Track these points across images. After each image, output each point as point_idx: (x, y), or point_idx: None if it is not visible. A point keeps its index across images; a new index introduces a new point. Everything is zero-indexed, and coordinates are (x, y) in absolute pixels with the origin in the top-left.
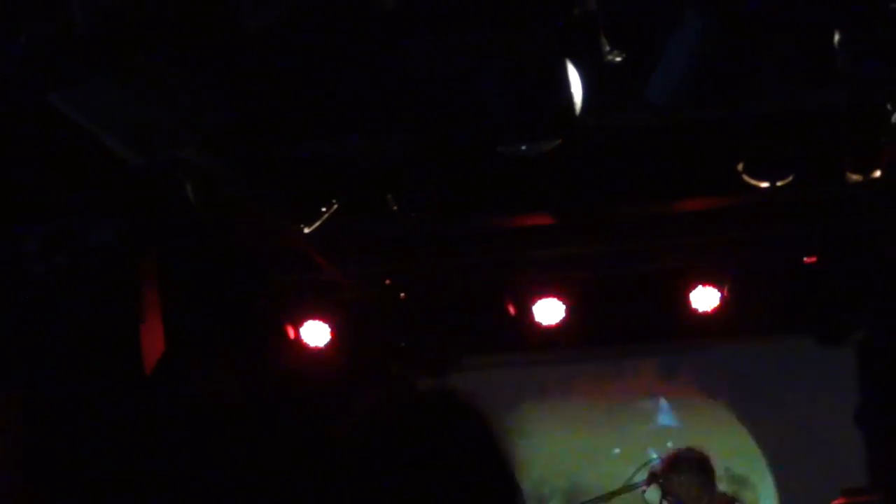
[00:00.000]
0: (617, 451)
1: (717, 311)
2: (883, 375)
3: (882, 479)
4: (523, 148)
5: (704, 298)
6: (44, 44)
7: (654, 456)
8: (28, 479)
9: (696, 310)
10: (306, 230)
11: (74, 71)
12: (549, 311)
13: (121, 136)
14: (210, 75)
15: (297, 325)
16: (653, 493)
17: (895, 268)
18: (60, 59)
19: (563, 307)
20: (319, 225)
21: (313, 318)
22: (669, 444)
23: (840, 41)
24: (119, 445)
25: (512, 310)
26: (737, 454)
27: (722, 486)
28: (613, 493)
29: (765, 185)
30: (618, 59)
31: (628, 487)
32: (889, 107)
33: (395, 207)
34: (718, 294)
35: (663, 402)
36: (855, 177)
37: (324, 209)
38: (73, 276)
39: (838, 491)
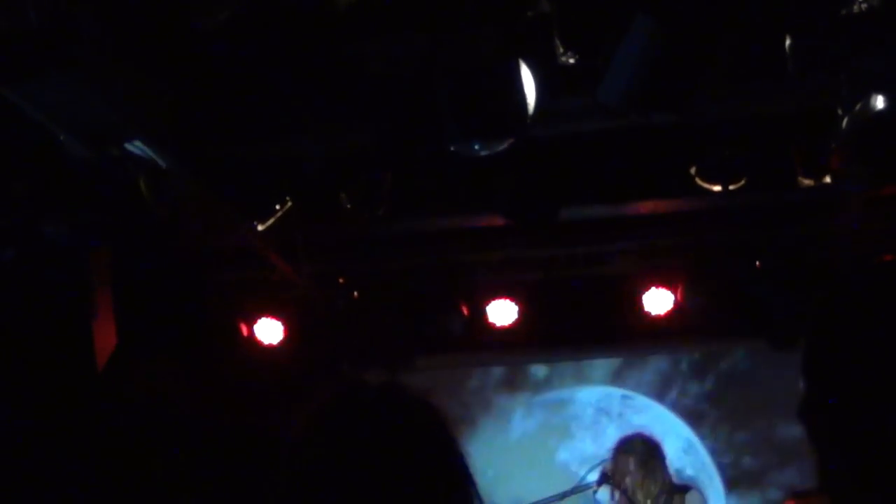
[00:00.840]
0: (568, 451)
1: (670, 313)
2: (824, 375)
3: (827, 480)
4: (476, 148)
5: (658, 301)
6: None
7: (606, 457)
8: None
9: (649, 312)
10: (260, 228)
11: (27, 65)
12: (502, 312)
13: (72, 130)
14: (162, 72)
15: (250, 322)
16: (604, 492)
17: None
18: (14, 53)
19: (517, 308)
20: (273, 223)
21: (266, 315)
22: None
23: (790, 46)
24: (69, 443)
25: (465, 310)
26: (686, 455)
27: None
28: (564, 494)
29: (717, 188)
30: (571, 60)
31: (580, 488)
32: (839, 112)
33: (349, 206)
34: (672, 297)
35: (615, 404)
36: (806, 181)
37: (277, 207)
38: (23, 271)
39: (788, 493)
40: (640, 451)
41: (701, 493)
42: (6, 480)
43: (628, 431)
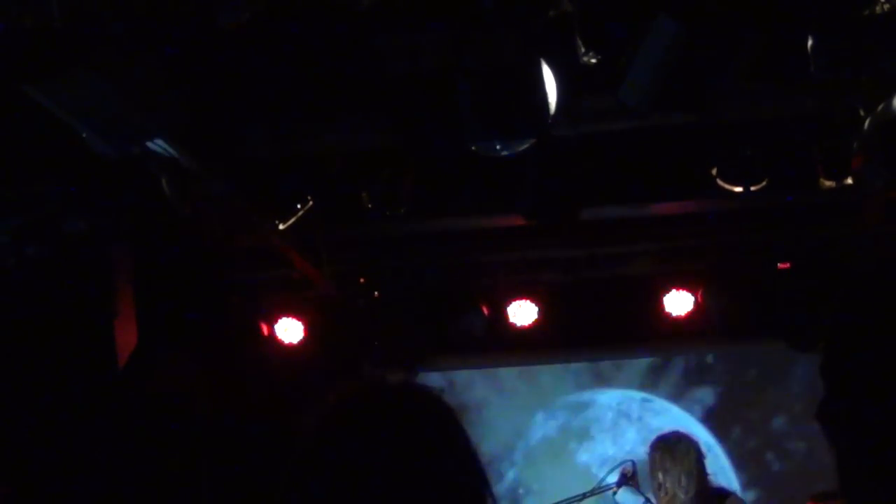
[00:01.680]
0: (588, 453)
1: (690, 315)
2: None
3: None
4: (497, 147)
5: (678, 302)
6: (21, 36)
7: (625, 458)
8: None
9: (669, 314)
10: (281, 227)
11: (51, 63)
12: (522, 313)
13: (95, 128)
14: (184, 71)
15: (270, 322)
16: (624, 494)
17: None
18: (37, 51)
19: (537, 309)
20: (294, 222)
21: (287, 315)
22: (642, 448)
23: (813, 46)
24: (90, 440)
25: (485, 310)
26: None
27: None
28: (584, 495)
29: (738, 189)
30: (593, 60)
31: (599, 489)
32: (861, 112)
33: (370, 206)
34: (692, 298)
35: (635, 407)
36: (828, 183)
37: (299, 206)
38: (46, 269)
39: (807, 496)
40: (679, 450)
41: (739, 500)
42: (28, 476)
43: (648, 434)
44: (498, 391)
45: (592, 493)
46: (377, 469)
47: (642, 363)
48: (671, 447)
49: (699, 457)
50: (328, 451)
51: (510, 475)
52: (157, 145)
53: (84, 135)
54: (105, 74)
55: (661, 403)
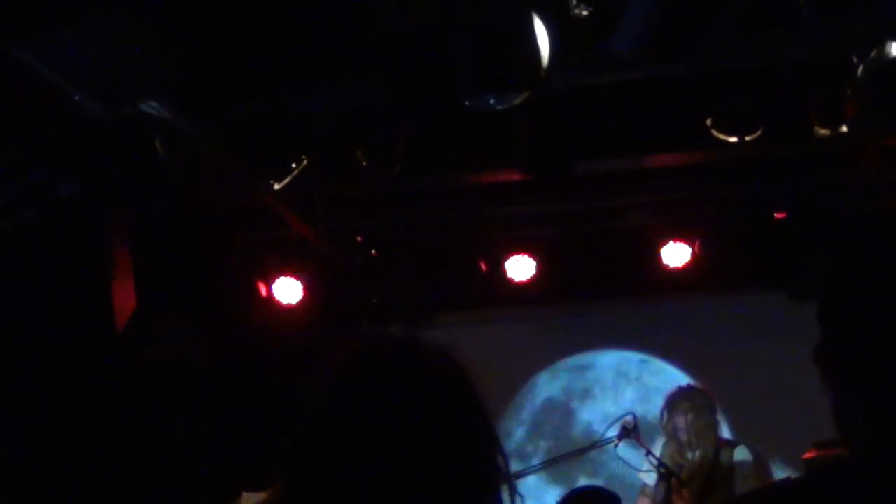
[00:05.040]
0: (590, 412)
1: (688, 266)
2: (840, 323)
3: (844, 428)
4: (491, 101)
5: (675, 254)
6: None
7: (624, 414)
8: None
9: (667, 265)
10: (276, 187)
11: (40, 24)
12: (520, 268)
13: (86, 90)
14: (176, 30)
15: (268, 282)
16: (625, 447)
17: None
18: (26, 12)
19: (535, 263)
20: (289, 181)
21: (285, 275)
22: (640, 405)
23: None
24: (90, 403)
25: (483, 266)
26: (706, 409)
27: None
28: (584, 449)
29: (733, 139)
30: (584, 12)
31: (600, 442)
32: (854, 60)
33: (365, 163)
34: (689, 250)
35: (633, 368)
36: (822, 131)
37: (294, 165)
38: (42, 232)
39: (809, 444)
40: (697, 403)
41: (747, 449)
42: (27, 440)
43: (646, 393)
44: (501, 353)
45: (594, 446)
46: (386, 425)
47: (639, 324)
48: (689, 399)
49: (714, 409)
50: (336, 407)
51: (518, 433)
52: (150, 107)
53: (76, 97)
54: (95, 35)
55: (657, 364)
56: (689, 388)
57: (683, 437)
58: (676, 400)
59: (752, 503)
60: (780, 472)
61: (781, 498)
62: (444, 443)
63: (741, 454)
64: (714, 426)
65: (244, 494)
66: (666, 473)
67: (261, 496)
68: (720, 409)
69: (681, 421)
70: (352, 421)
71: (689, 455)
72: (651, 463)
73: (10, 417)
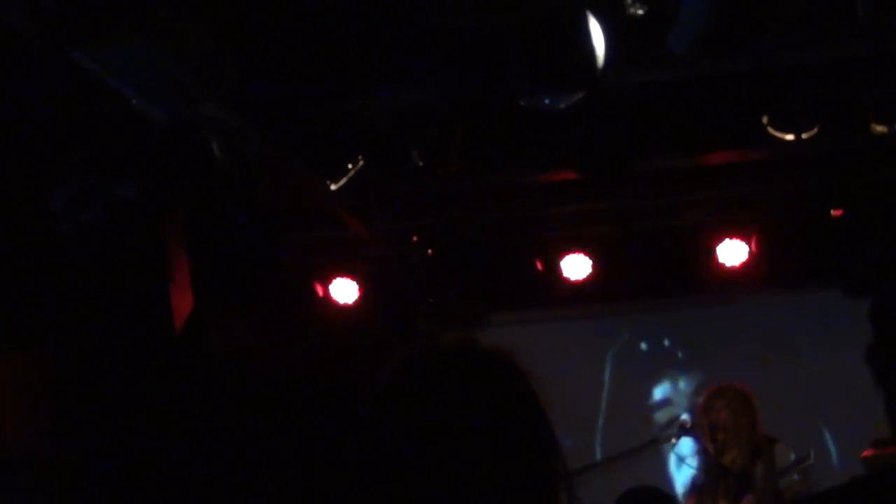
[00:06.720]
0: (646, 404)
1: (744, 264)
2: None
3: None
4: (546, 102)
5: (732, 252)
6: (70, 1)
7: (683, 413)
8: (56, 438)
9: (723, 264)
10: (333, 187)
11: (99, 29)
12: (576, 267)
13: (144, 93)
14: (233, 33)
15: (325, 282)
16: (685, 444)
17: None
18: (85, 16)
19: (591, 262)
20: (346, 182)
21: (341, 275)
22: (699, 398)
23: None
24: (149, 404)
25: (539, 265)
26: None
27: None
28: (641, 448)
29: (790, 137)
30: (640, 11)
31: (658, 440)
32: None
33: (421, 163)
34: (746, 247)
35: (691, 357)
36: (879, 128)
37: (350, 166)
38: (100, 235)
39: (867, 443)
40: (734, 405)
41: (787, 446)
42: (87, 445)
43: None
44: (556, 351)
45: (651, 444)
46: (446, 431)
47: (695, 322)
48: (725, 396)
49: (753, 407)
50: (396, 414)
51: (574, 433)
52: (208, 109)
53: (134, 101)
54: (155, 39)
55: (712, 362)
56: (727, 387)
57: (718, 435)
58: (713, 398)
59: (834, 500)
60: (835, 470)
61: (859, 496)
62: (504, 449)
63: (781, 451)
64: (752, 424)
65: None
66: (721, 472)
67: None
68: (772, 406)
69: (716, 419)
70: (412, 428)
71: (727, 453)
72: (706, 462)
73: (68, 421)
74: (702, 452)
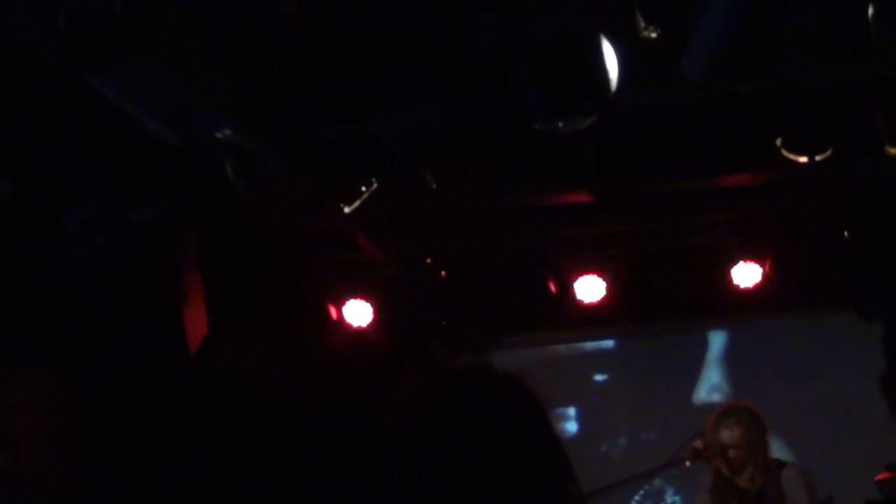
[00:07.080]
0: (660, 427)
1: (758, 286)
2: None
3: None
4: (559, 125)
5: (746, 274)
6: (83, 24)
7: (698, 435)
8: (70, 458)
9: (737, 286)
10: (346, 210)
11: (112, 52)
12: (590, 289)
13: (158, 117)
14: (247, 55)
15: (339, 304)
16: (698, 467)
17: None
18: (98, 39)
19: (605, 284)
20: (359, 204)
21: (355, 297)
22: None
23: (873, 12)
24: (162, 427)
25: (553, 287)
26: (776, 430)
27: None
28: (656, 470)
29: (803, 159)
30: (653, 34)
31: (671, 464)
32: None
33: (434, 186)
34: (760, 270)
35: (705, 380)
36: (893, 150)
37: (363, 188)
38: (115, 257)
39: (881, 465)
40: (746, 423)
41: (796, 469)
42: (101, 466)
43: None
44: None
45: (664, 467)
46: (460, 454)
47: (709, 344)
48: (737, 415)
49: (763, 428)
50: (410, 438)
51: (602, 447)
52: (222, 132)
53: (149, 126)
54: (165, 61)
55: (725, 385)
56: (737, 405)
57: (731, 454)
58: (724, 417)
59: None
60: (849, 493)
61: None
62: (517, 473)
63: (791, 473)
64: (763, 445)
65: None
66: (737, 494)
67: None
68: (786, 428)
69: (728, 437)
70: (425, 451)
71: (743, 472)
72: (720, 485)
73: (83, 442)
74: (715, 474)
